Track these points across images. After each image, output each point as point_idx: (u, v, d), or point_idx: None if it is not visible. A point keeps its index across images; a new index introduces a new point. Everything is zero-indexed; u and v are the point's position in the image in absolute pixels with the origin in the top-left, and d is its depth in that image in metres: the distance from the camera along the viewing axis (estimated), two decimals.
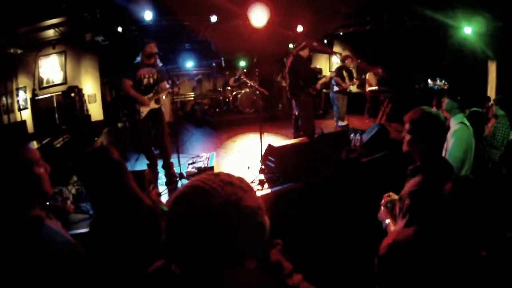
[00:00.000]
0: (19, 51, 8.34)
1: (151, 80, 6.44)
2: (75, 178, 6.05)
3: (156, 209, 2.47)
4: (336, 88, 10.58)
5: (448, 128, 4.58)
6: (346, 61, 10.72)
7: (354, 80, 10.62)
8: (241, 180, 1.21)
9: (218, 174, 1.21)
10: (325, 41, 13.65)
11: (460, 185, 1.79)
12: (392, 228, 2.78)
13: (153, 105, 6.44)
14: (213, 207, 1.08)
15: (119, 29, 10.26)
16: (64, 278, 1.81)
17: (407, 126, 2.87)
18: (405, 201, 2.62)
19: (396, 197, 2.99)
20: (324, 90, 12.19)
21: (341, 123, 10.56)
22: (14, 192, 1.86)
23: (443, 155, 4.27)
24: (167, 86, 6.62)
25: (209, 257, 1.08)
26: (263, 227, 1.16)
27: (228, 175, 1.21)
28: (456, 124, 4.60)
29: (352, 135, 8.03)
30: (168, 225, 1.14)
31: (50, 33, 9.36)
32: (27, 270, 1.72)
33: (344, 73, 10.46)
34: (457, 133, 4.52)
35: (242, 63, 12.95)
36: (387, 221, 2.89)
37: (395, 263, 1.92)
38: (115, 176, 2.33)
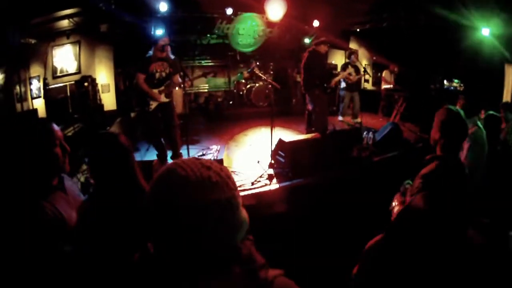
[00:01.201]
0: (32, 41, 8.36)
1: (163, 74, 6.45)
2: (84, 167, 6.06)
3: None
4: (343, 85, 10.63)
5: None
6: (352, 56, 10.75)
7: (360, 74, 10.52)
8: (221, 168, 1.18)
9: (200, 159, 1.19)
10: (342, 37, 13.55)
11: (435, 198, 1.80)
12: (395, 210, 3.01)
13: (163, 98, 6.45)
14: (183, 187, 1.06)
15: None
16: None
17: (435, 123, 3.20)
18: (415, 182, 2.96)
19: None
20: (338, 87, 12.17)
21: (354, 120, 10.59)
22: (30, 167, 2.10)
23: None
24: (180, 80, 6.59)
25: (168, 244, 1.08)
26: (233, 220, 1.13)
27: (209, 161, 1.18)
28: (471, 127, 4.54)
29: (364, 133, 7.96)
30: (144, 206, 1.13)
31: (64, 23, 9.39)
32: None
33: (350, 69, 10.43)
34: (472, 136, 4.46)
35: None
36: (394, 203, 3.10)
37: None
38: (123, 163, 2.40)
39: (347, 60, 11.07)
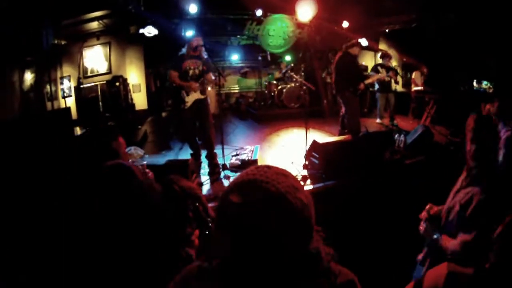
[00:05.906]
0: (63, 42, 8.53)
1: (197, 71, 6.44)
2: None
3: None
4: (377, 87, 10.55)
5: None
6: (386, 58, 10.69)
7: (391, 72, 10.39)
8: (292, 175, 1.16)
9: (270, 166, 1.15)
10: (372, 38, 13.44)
11: None
12: (448, 243, 2.56)
13: (198, 95, 6.44)
14: (271, 197, 1.03)
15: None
16: None
17: (469, 135, 2.75)
18: (465, 212, 2.48)
19: (436, 208, 2.90)
20: (370, 89, 12.05)
21: (391, 123, 10.53)
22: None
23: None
24: (213, 77, 6.58)
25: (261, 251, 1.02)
26: (310, 223, 1.13)
27: (279, 168, 1.16)
28: (506, 131, 4.37)
29: (396, 136, 7.86)
30: (220, 215, 1.10)
31: (94, 25, 9.59)
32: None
33: (380, 69, 10.33)
34: (508, 141, 4.27)
35: (288, 58, 12.98)
36: (436, 235, 2.69)
37: None
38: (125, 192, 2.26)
39: (380, 62, 10.95)
